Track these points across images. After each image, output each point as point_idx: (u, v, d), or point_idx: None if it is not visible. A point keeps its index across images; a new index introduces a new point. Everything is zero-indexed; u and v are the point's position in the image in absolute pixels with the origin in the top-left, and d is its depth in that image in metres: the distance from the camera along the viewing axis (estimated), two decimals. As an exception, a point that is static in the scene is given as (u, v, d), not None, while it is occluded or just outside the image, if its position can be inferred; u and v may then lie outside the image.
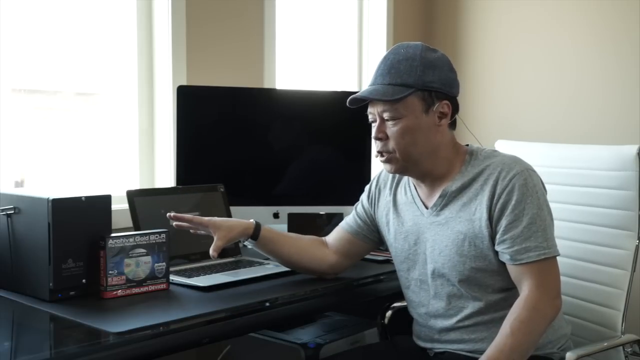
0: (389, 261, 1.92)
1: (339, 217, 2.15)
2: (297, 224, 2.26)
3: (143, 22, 2.44)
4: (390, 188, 1.81)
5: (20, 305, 1.60)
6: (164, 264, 1.72)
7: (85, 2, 2.32)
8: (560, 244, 1.65)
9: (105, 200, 1.70)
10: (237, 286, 1.77)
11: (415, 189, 1.75)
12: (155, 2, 2.43)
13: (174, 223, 1.77)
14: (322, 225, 2.25)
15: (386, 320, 2.09)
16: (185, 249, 1.95)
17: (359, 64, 3.28)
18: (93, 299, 1.62)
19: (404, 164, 1.66)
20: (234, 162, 2.33)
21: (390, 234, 1.79)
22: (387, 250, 1.85)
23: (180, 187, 2.18)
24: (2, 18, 2.10)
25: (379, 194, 1.83)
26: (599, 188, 1.91)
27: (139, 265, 1.68)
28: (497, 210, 1.60)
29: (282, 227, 2.24)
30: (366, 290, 1.95)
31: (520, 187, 1.59)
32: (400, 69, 1.62)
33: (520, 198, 1.59)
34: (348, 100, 1.68)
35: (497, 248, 1.61)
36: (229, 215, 2.06)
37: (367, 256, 2.00)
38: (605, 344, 1.80)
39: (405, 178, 1.79)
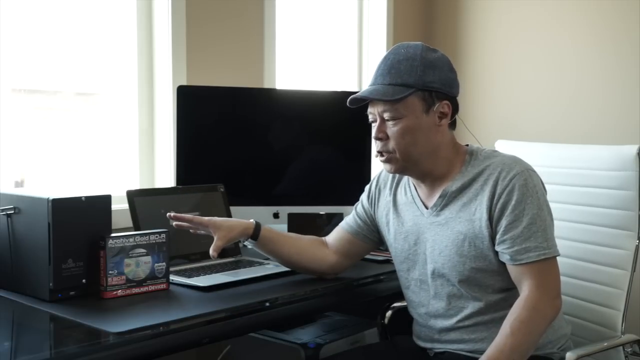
0: (389, 261, 1.92)
1: (339, 217, 2.15)
2: (297, 224, 2.26)
3: (143, 22, 2.44)
4: (390, 188, 1.81)
5: (20, 305, 1.60)
6: (164, 264, 1.72)
7: (85, 2, 2.32)
8: (560, 244, 1.65)
9: (105, 200, 1.70)
10: (237, 286, 1.77)
11: (415, 189, 1.75)
12: (155, 2, 2.43)
13: (174, 223, 1.77)
14: (322, 225, 2.25)
15: (386, 320, 2.09)
16: (185, 249, 1.95)
17: (359, 64, 3.28)
18: (93, 299, 1.62)
19: (404, 164, 1.66)
20: (234, 162, 2.33)
21: (390, 234, 1.79)
22: (387, 250, 1.85)
23: (180, 187, 2.18)
24: (2, 18, 2.10)
25: (379, 194, 1.83)
26: (599, 188, 1.91)
27: (139, 265, 1.68)
28: (497, 210, 1.60)
29: (282, 227, 2.24)
30: (366, 290, 1.95)
31: (520, 187, 1.59)
32: (400, 69, 1.62)
33: (521, 198, 1.59)
34: (348, 100, 1.68)
35: (497, 248, 1.61)
36: (229, 215, 2.06)
37: (367, 256, 2.00)
38: (605, 344, 1.80)
39: (405, 178, 1.79)
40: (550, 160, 2.03)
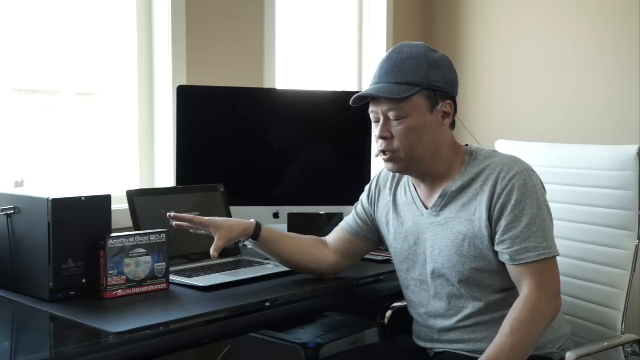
0: (389, 261, 1.92)
1: (339, 217, 2.15)
2: (297, 224, 2.26)
3: (143, 22, 2.44)
4: (390, 188, 1.81)
5: (20, 305, 1.60)
6: (164, 264, 1.72)
7: (85, 2, 2.32)
8: (560, 244, 1.65)
9: (105, 200, 1.70)
10: (237, 286, 1.77)
11: (415, 189, 1.75)
12: (155, 2, 2.43)
13: (174, 223, 1.77)
14: (322, 225, 2.25)
15: (386, 320, 2.09)
16: (185, 249, 1.95)
17: (359, 64, 3.28)
18: (93, 299, 1.62)
19: (407, 163, 1.66)
20: (234, 162, 2.33)
21: (390, 234, 1.79)
22: (387, 250, 1.85)
23: (180, 187, 2.18)
24: (2, 18, 2.10)
25: (379, 194, 1.83)
26: (599, 188, 1.91)
27: (139, 265, 1.68)
28: (496, 210, 1.60)
29: (282, 227, 2.24)
30: (366, 290, 1.95)
31: (519, 187, 1.59)
32: (405, 67, 1.61)
33: (520, 198, 1.59)
34: (353, 99, 1.67)
35: (497, 248, 1.61)
36: (229, 215, 2.06)
37: (367, 256, 2.00)
38: (605, 344, 1.80)
39: (405, 178, 1.79)
40: (550, 160, 2.03)
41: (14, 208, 1.68)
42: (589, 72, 2.94)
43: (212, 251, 1.72)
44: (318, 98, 2.45)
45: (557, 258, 1.61)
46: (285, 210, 2.33)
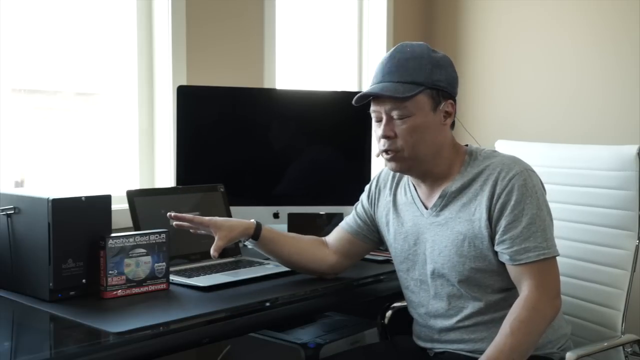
0: (389, 261, 1.92)
1: (339, 217, 2.15)
2: (297, 224, 2.26)
3: (143, 22, 2.44)
4: (390, 188, 1.81)
5: (20, 305, 1.60)
6: (164, 264, 1.72)
7: (85, 2, 2.32)
8: (560, 244, 1.65)
9: (105, 200, 1.70)
10: (237, 286, 1.77)
11: (415, 189, 1.75)
12: (155, 2, 2.43)
13: (174, 223, 1.76)
14: (322, 225, 2.25)
15: (386, 320, 2.09)
16: (185, 249, 1.95)
17: (359, 64, 3.28)
18: (93, 299, 1.62)
19: (410, 162, 1.66)
20: (234, 162, 2.33)
21: (390, 234, 1.79)
22: (387, 250, 1.85)
23: (180, 187, 2.18)
24: (2, 18, 2.10)
25: (379, 194, 1.83)
26: (599, 188, 1.91)
27: (139, 265, 1.68)
28: (496, 210, 1.60)
29: (282, 227, 2.24)
30: (366, 290, 1.95)
31: (519, 187, 1.59)
32: (408, 66, 1.61)
33: (520, 198, 1.59)
34: (356, 97, 1.67)
35: (497, 248, 1.61)
36: (229, 215, 2.06)
37: (367, 256, 2.00)
38: (605, 344, 1.80)
39: (405, 178, 1.79)
40: (550, 160, 2.03)
41: (14, 208, 1.68)
42: (589, 72, 2.94)
43: (212, 251, 1.72)
44: (318, 98, 2.45)
45: (557, 258, 1.61)
46: (285, 210, 2.33)
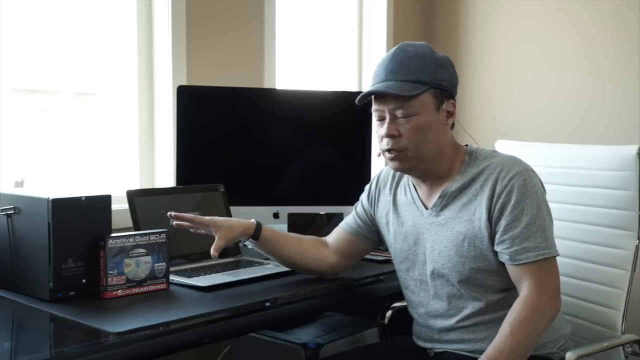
0: (389, 261, 1.92)
1: (339, 217, 2.15)
2: (297, 224, 2.26)
3: (143, 22, 2.44)
4: (390, 188, 1.81)
5: (20, 305, 1.60)
6: (164, 264, 1.72)
7: (85, 2, 2.32)
8: (560, 244, 1.65)
9: (105, 200, 1.70)
10: (237, 286, 1.77)
11: (415, 189, 1.75)
12: (155, 2, 2.43)
13: (175, 222, 1.76)
14: (322, 225, 2.25)
15: (386, 320, 2.09)
16: (185, 249, 1.95)
17: (359, 64, 3.28)
18: (93, 299, 1.62)
19: (413, 162, 1.65)
20: (234, 162, 2.33)
21: (390, 234, 1.79)
22: (387, 250, 1.85)
23: (180, 187, 2.18)
24: (2, 18, 2.10)
25: (379, 194, 1.83)
26: (598, 188, 1.91)
27: (139, 265, 1.68)
28: (496, 210, 1.60)
29: (282, 227, 2.24)
30: (366, 290, 1.95)
31: (519, 187, 1.59)
32: (411, 65, 1.61)
33: (520, 198, 1.59)
34: (360, 96, 1.65)
35: (497, 248, 1.61)
36: (229, 215, 2.06)
37: (367, 256, 2.00)
38: (605, 344, 1.80)
39: (405, 178, 1.79)
40: (550, 160, 2.03)
41: (14, 208, 1.68)
42: (588, 72, 2.94)
43: (212, 251, 1.72)
44: (318, 98, 2.45)
45: (557, 258, 1.61)
46: (285, 210, 2.33)
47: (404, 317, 1.87)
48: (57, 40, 2.27)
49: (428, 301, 1.72)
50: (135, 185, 2.43)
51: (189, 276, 1.80)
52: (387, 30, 3.23)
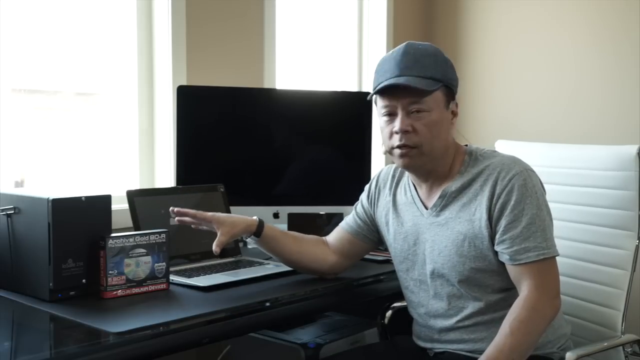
0: (389, 261, 1.92)
1: (339, 217, 2.15)
2: (297, 224, 2.26)
3: (143, 22, 2.44)
4: (390, 188, 1.81)
5: (20, 305, 1.60)
6: (164, 264, 1.72)
7: (85, 2, 2.32)
8: (560, 244, 1.65)
9: (105, 200, 1.70)
10: (237, 286, 1.77)
11: (415, 189, 1.75)
12: (155, 2, 2.43)
13: (177, 218, 1.76)
14: (322, 225, 2.25)
15: (386, 320, 2.09)
16: (185, 249, 1.95)
17: (359, 64, 3.28)
18: (93, 299, 1.62)
19: (424, 158, 1.64)
20: (234, 162, 2.33)
21: (390, 234, 1.79)
22: (387, 250, 1.85)
23: (180, 187, 2.18)
24: (2, 18, 2.10)
25: (379, 194, 1.83)
26: (598, 188, 1.91)
27: (139, 265, 1.68)
28: (496, 210, 1.60)
29: (282, 227, 2.23)
30: (366, 290, 1.95)
31: (519, 187, 1.59)
32: (424, 62, 1.61)
33: (520, 198, 1.59)
34: (378, 88, 1.62)
35: (497, 248, 1.61)
36: (229, 215, 2.06)
37: (367, 256, 2.00)
38: (605, 344, 1.80)
39: (405, 178, 1.79)
40: (550, 160, 2.03)
41: (14, 208, 1.68)
42: (588, 72, 2.94)
43: (214, 246, 1.71)
44: (318, 98, 2.45)
45: (557, 258, 1.61)
46: (285, 210, 2.33)
47: (404, 317, 1.87)
48: (57, 40, 2.27)
49: (428, 301, 1.72)
50: (135, 185, 2.43)
51: (189, 276, 1.80)
52: (387, 30, 3.23)
